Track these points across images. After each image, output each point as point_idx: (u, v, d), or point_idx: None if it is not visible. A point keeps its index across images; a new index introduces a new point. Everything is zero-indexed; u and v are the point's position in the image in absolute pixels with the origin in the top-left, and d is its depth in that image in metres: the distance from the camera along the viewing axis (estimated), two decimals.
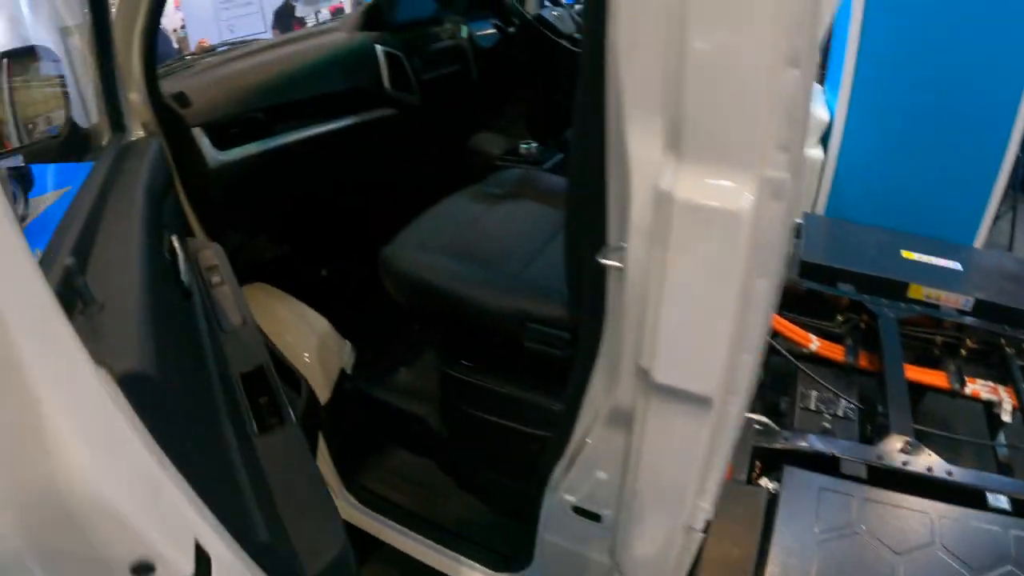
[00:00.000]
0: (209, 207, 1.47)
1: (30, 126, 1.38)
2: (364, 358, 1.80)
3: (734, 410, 0.92)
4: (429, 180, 2.35)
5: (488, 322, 1.32)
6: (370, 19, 2.00)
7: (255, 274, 1.72)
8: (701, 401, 0.86)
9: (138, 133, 1.32)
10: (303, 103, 1.76)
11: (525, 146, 2.18)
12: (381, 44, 1.93)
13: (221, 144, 1.55)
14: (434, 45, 2.14)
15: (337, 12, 7.40)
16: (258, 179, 1.68)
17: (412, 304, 1.52)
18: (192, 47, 8.49)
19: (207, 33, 8.55)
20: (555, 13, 2.49)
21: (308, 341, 1.66)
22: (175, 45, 4.53)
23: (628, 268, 0.84)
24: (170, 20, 10.68)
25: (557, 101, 3.05)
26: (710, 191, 0.73)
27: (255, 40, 2.10)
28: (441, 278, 1.36)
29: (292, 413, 0.99)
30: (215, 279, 1.16)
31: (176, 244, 1.00)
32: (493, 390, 1.40)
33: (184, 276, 0.96)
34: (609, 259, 0.86)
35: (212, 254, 1.20)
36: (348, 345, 1.78)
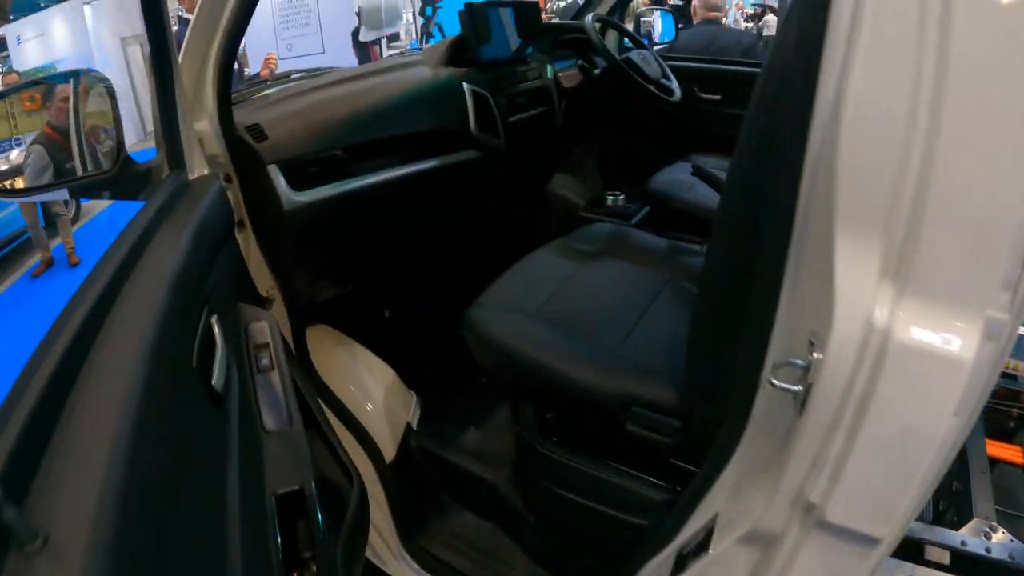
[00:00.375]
0: (280, 251, 1.33)
1: (95, 151, 1.24)
2: (429, 411, 1.72)
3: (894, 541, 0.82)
4: (507, 225, 2.21)
5: (587, 401, 1.22)
6: (456, 54, 1.85)
7: (315, 313, 1.63)
8: (870, 541, 0.76)
9: (201, 170, 1.17)
10: (386, 142, 1.60)
11: (612, 198, 2.01)
12: (468, 82, 1.77)
13: (297, 183, 1.40)
14: (520, 85, 1.97)
15: (392, 38, 7.40)
16: (334, 222, 1.54)
17: (500, 372, 1.41)
18: (252, 63, 8.58)
19: (265, 50, 8.68)
20: (641, 55, 2.32)
21: (373, 392, 1.58)
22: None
23: (813, 398, 0.70)
24: None
25: (638, 147, 2.90)
26: (935, 333, 0.63)
27: (332, 70, 1.95)
28: (535, 349, 1.26)
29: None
30: (264, 361, 0.99)
31: (215, 328, 0.83)
32: (584, 471, 1.31)
33: (218, 377, 0.78)
34: (782, 381, 0.72)
35: (264, 328, 1.04)
36: (414, 397, 1.70)
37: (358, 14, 4.90)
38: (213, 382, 0.76)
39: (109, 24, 8.71)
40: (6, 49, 9.22)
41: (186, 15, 3.41)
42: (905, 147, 0.59)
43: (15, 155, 1.47)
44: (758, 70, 2.49)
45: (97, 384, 0.58)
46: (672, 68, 2.45)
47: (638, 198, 2.23)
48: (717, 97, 2.75)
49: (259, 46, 8.77)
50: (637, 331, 1.31)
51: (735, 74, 2.73)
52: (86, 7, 8.27)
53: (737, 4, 13.96)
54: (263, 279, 1.32)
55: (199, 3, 1.19)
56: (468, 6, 1.83)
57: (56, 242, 5.64)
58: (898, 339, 0.62)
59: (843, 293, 0.65)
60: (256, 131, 1.35)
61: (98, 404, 0.56)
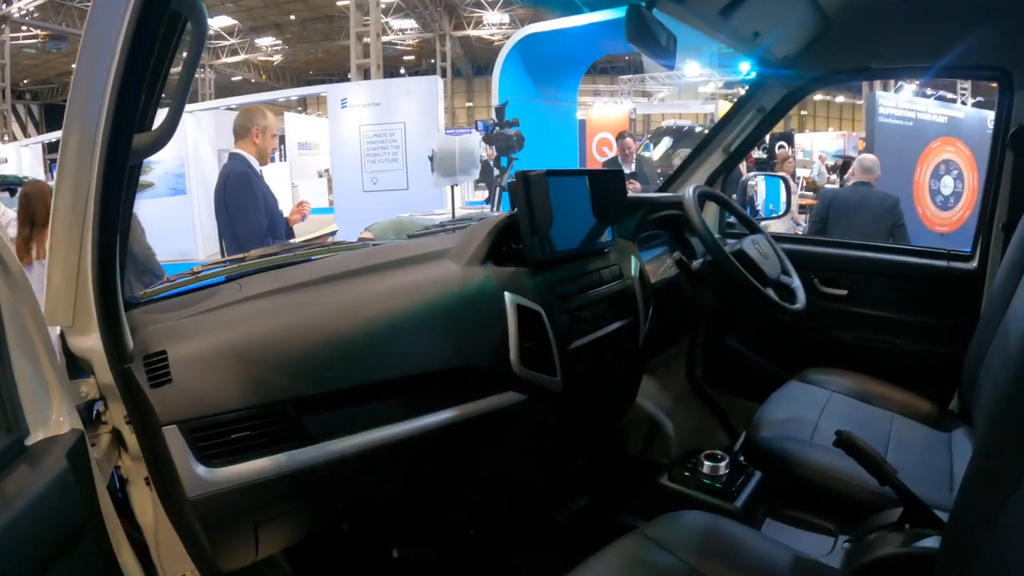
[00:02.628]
0: (195, 540, 0.93)
1: None
2: None
3: None
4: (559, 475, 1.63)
5: None
6: (499, 247, 1.30)
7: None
8: None
9: (58, 425, 0.80)
10: (370, 388, 1.04)
11: (711, 464, 1.37)
12: (513, 292, 1.20)
13: (211, 454, 0.90)
14: (591, 292, 1.38)
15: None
16: (277, 502, 0.99)
17: None
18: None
19: (351, 181, 8.79)
20: (756, 244, 1.74)
21: None
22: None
23: None
24: (317, 160, 11.33)
25: (739, 354, 2.28)
26: None
27: (322, 249, 1.46)
28: None
29: None
30: None
31: None
32: None
33: None
34: None
35: None
36: None
37: (431, 158, 4.66)
38: None
39: (206, 134, 9.13)
40: None
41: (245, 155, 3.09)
42: None
43: None
44: (896, 257, 1.88)
45: None
46: (788, 253, 1.87)
47: (740, 447, 1.57)
48: (844, 292, 2.12)
49: (344, 178, 8.96)
50: None
51: (868, 263, 2.11)
52: (188, 115, 8.69)
53: (820, 156, 13.73)
54: (179, 559, 0.94)
55: (56, 178, 0.80)
56: (521, 176, 1.26)
57: None
58: None
59: None
60: (158, 365, 0.88)
61: None
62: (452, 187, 4.90)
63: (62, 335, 0.88)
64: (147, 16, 0.73)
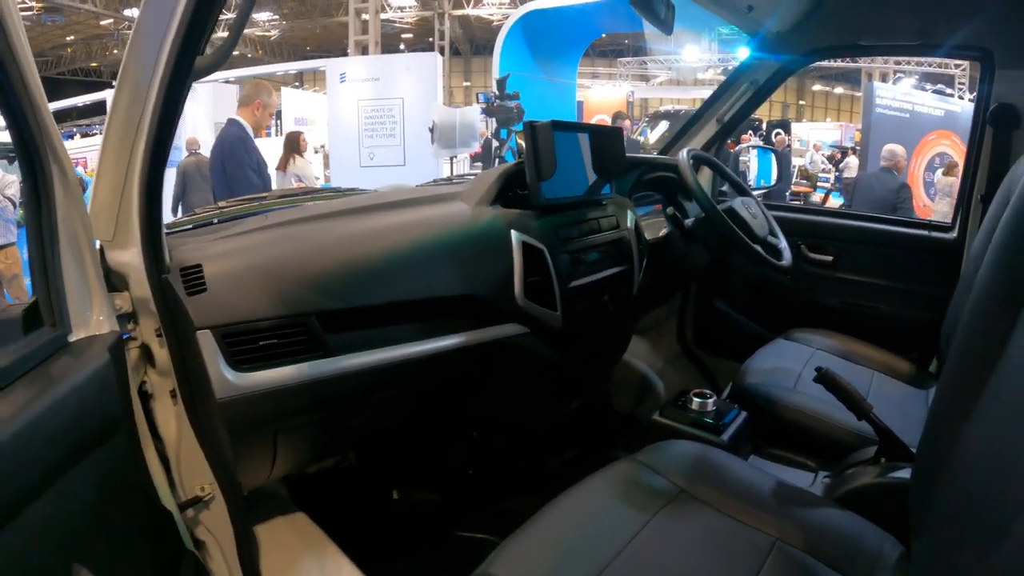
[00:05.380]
0: (217, 443, 0.97)
1: None
2: None
3: None
4: (560, 415, 1.72)
5: None
6: (508, 190, 1.39)
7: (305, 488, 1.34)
8: None
9: (98, 325, 0.86)
10: (386, 308, 1.14)
11: (700, 400, 1.46)
12: (519, 231, 1.30)
13: (243, 359, 0.98)
14: (590, 237, 1.48)
15: (476, 158, 7.17)
16: (298, 412, 1.08)
17: None
18: (334, 173, 8.61)
19: (348, 156, 8.80)
20: (746, 205, 1.83)
21: None
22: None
23: None
24: (313, 136, 11.33)
25: (728, 315, 2.38)
26: None
27: (339, 193, 1.55)
28: None
29: None
30: None
31: None
32: None
33: None
34: None
35: None
36: None
37: (431, 130, 4.70)
38: None
39: (204, 107, 9.12)
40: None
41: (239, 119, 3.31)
42: None
43: None
44: (880, 226, 1.96)
45: None
46: (777, 220, 1.96)
47: (728, 394, 1.67)
48: (829, 259, 2.21)
49: (340, 153, 8.97)
50: None
51: (853, 232, 2.20)
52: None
53: (815, 145, 13.81)
54: (199, 473, 0.99)
55: (114, 95, 0.85)
56: (529, 125, 1.37)
57: None
58: None
59: None
60: (193, 276, 0.96)
61: None
62: (452, 159, 4.96)
63: (100, 250, 0.92)
64: None
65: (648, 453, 1.17)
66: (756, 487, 1.11)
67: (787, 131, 11.77)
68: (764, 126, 12.17)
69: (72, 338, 0.84)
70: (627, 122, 6.84)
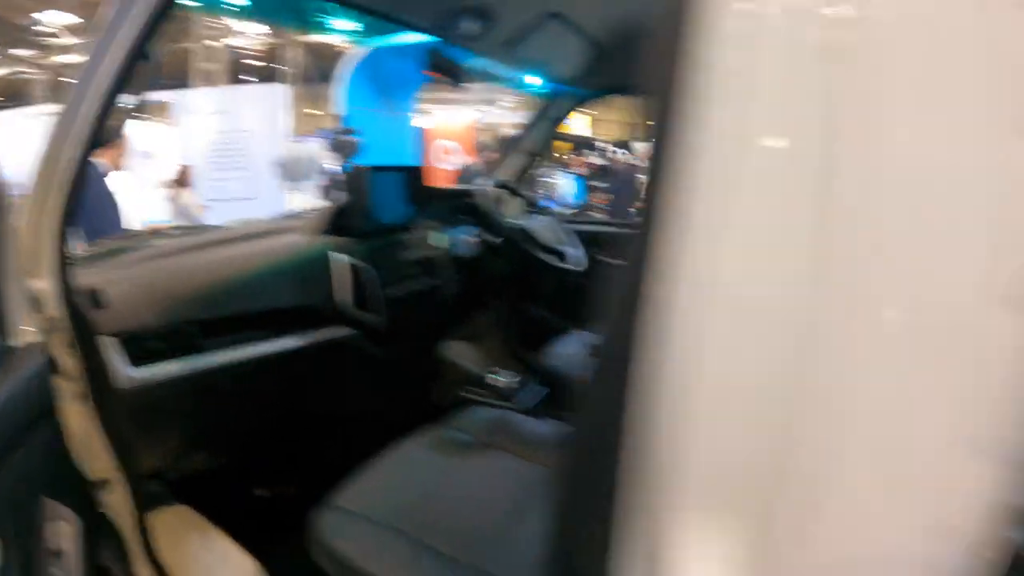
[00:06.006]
0: (117, 430, 1.19)
1: None
2: None
3: None
4: (394, 405, 2.05)
5: None
6: (334, 223, 1.77)
7: (181, 490, 1.54)
8: None
9: (32, 338, 1.07)
10: (244, 317, 1.49)
11: (492, 376, 1.80)
12: (346, 254, 1.69)
13: (137, 358, 1.31)
14: (406, 255, 1.90)
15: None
16: (182, 400, 1.42)
17: None
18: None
19: (200, 189, 8.57)
20: (541, 222, 2.30)
21: None
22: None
23: None
24: (159, 168, 10.90)
25: (540, 317, 2.83)
26: None
27: (205, 230, 1.87)
28: (387, 569, 1.10)
29: None
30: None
31: None
32: None
33: None
34: None
35: (61, 531, 0.96)
36: None
37: (280, 166, 4.90)
38: None
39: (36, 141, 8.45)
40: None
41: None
42: None
43: None
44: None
45: None
46: (584, 234, 2.41)
47: (536, 376, 2.11)
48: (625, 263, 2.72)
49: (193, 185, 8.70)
50: (513, 543, 1.14)
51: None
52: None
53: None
54: (103, 459, 1.19)
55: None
56: (354, 168, 1.79)
57: None
58: None
59: None
60: (94, 297, 1.24)
61: None
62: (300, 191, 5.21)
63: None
64: None
65: (456, 419, 1.52)
66: (547, 436, 1.48)
67: (629, 150, 12.20)
68: (609, 146, 12.62)
69: (16, 343, 1.07)
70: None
